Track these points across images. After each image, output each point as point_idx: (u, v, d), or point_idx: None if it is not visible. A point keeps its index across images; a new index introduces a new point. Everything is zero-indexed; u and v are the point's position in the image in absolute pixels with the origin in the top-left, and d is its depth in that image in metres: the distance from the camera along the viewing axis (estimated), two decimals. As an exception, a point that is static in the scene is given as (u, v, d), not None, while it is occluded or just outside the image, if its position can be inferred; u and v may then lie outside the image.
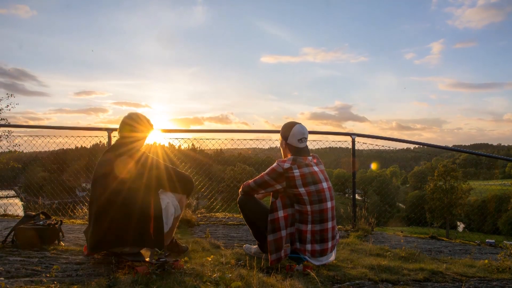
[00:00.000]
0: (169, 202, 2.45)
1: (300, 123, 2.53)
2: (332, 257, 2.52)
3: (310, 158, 2.47)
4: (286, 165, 2.34)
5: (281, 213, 2.34)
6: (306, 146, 2.53)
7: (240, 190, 2.64)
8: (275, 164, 2.40)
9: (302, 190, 2.32)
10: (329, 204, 2.39)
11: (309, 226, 2.33)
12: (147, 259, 2.22)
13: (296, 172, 2.32)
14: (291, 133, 2.48)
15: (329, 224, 2.38)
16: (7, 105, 7.09)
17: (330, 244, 2.40)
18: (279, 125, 3.03)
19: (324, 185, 2.41)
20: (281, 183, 2.36)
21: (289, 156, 2.44)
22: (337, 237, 2.54)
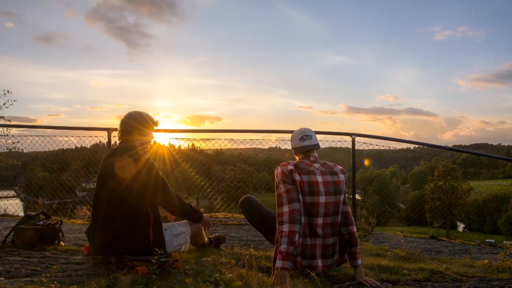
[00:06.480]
0: (184, 232, 2.49)
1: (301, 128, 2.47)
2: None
3: (317, 165, 2.29)
4: (290, 167, 2.22)
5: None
6: (315, 150, 2.41)
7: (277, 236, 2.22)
8: (278, 170, 2.24)
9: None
10: (320, 220, 2.19)
11: (300, 239, 2.17)
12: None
13: (297, 177, 2.21)
14: (293, 137, 2.43)
15: (318, 241, 2.20)
16: (4, 103, 7.06)
17: (319, 262, 2.21)
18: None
19: (322, 199, 2.19)
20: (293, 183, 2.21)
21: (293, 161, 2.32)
22: (334, 258, 2.27)
